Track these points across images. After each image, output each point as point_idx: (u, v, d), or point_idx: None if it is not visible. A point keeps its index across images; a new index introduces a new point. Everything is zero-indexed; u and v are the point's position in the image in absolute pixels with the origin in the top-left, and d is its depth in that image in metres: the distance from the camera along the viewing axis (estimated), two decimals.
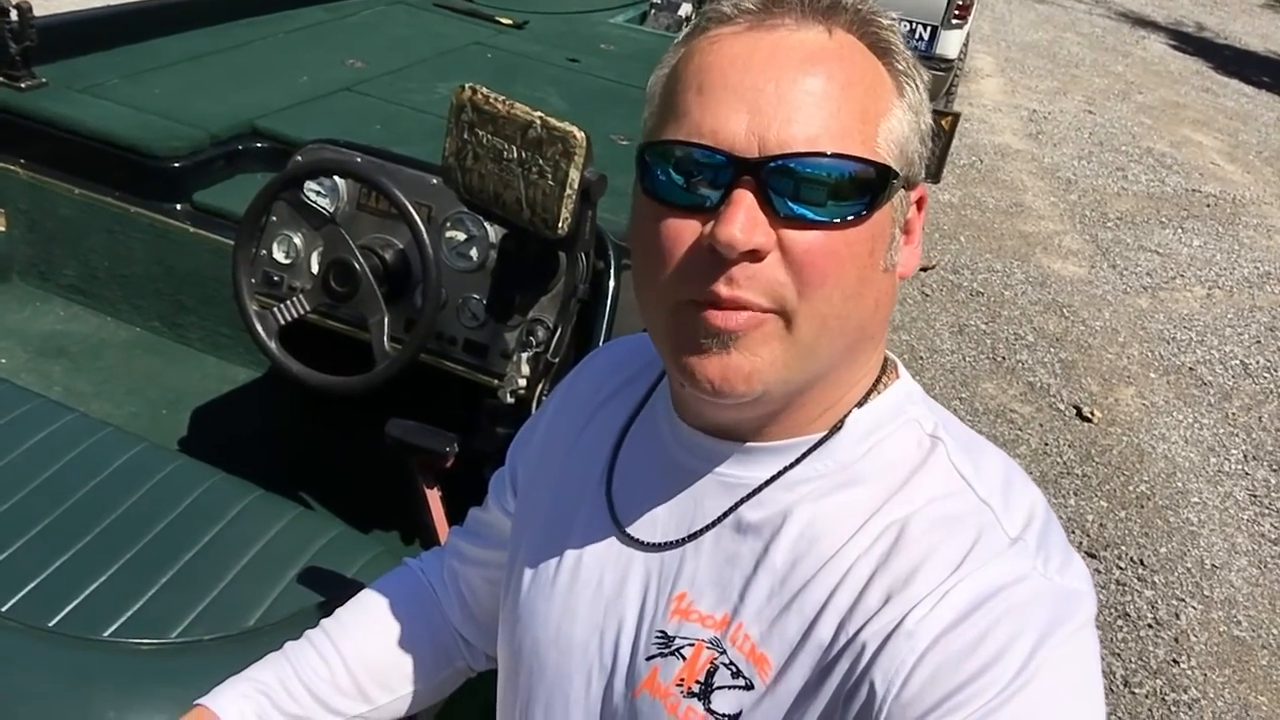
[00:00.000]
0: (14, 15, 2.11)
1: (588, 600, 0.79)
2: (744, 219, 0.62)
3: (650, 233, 0.67)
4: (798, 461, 0.72)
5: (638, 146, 0.69)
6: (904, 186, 0.68)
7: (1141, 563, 3.21)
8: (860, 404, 0.73)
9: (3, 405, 1.58)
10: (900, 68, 0.68)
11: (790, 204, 0.63)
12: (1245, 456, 3.86)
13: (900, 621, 0.63)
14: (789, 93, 0.63)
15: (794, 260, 0.63)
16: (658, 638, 0.74)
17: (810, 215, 0.63)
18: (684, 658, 0.72)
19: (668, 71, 0.70)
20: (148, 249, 2.15)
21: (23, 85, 2.15)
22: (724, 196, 0.63)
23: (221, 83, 2.41)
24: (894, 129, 0.66)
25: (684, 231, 0.65)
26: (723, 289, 0.63)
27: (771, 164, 0.62)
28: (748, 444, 0.73)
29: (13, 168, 2.17)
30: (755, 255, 0.63)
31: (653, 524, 0.78)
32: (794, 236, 0.63)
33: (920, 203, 0.72)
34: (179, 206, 2.13)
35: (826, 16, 0.66)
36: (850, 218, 0.64)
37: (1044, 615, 0.62)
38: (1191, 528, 3.41)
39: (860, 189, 0.64)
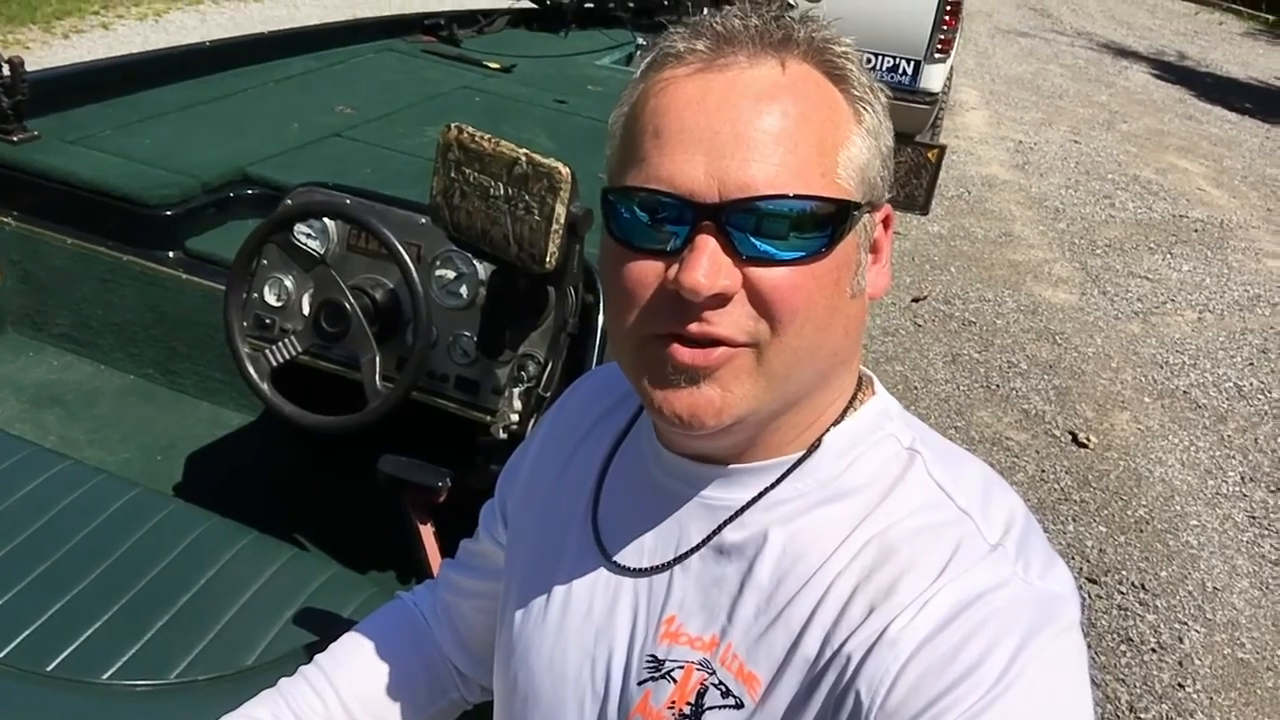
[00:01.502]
0: (5, 70, 2.14)
1: (578, 628, 0.80)
2: (707, 264, 0.63)
3: (617, 274, 0.68)
4: (778, 482, 0.73)
5: (601, 190, 0.70)
6: (868, 210, 0.69)
7: (1143, 587, 3.20)
8: (836, 422, 0.74)
9: None
10: (856, 93, 0.69)
11: (754, 243, 0.64)
12: (1243, 478, 3.86)
13: (883, 631, 0.64)
14: (745, 132, 0.64)
15: (761, 298, 0.64)
16: (648, 662, 0.74)
17: (774, 253, 0.64)
18: (674, 680, 0.72)
19: (627, 110, 0.71)
20: (140, 297, 2.17)
21: (15, 139, 2.17)
22: (686, 241, 0.64)
23: (212, 131, 2.43)
24: (853, 156, 0.67)
25: (649, 274, 0.66)
26: (693, 327, 0.64)
27: (732, 206, 0.63)
28: (728, 466, 0.74)
29: (5, 219, 2.19)
30: (721, 298, 0.64)
31: (639, 549, 0.78)
32: (760, 275, 0.64)
33: (886, 221, 0.73)
34: (171, 254, 2.14)
35: (779, 49, 0.67)
36: (814, 253, 0.65)
37: (1026, 619, 0.63)
38: (1191, 551, 3.40)
39: (822, 224, 0.65)
